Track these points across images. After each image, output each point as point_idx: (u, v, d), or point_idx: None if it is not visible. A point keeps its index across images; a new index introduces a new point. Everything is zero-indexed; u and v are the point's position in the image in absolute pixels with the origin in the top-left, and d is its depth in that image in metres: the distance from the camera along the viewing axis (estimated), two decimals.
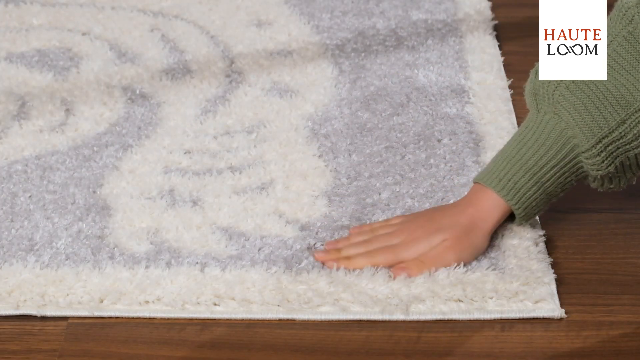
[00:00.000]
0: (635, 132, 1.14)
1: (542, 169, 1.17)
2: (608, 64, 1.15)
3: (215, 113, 1.51)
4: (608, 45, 1.15)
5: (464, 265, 1.18)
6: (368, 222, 1.27)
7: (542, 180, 1.18)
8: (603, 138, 1.14)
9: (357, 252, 1.19)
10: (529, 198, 1.18)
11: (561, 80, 1.17)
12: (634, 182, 1.21)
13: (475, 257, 1.19)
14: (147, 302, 1.16)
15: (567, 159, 1.17)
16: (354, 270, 1.18)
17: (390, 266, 1.18)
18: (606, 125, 1.14)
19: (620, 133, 1.14)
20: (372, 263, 1.18)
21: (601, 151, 1.15)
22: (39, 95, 1.56)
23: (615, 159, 1.16)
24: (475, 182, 1.22)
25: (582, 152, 1.16)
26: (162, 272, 1.20)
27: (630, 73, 1.14)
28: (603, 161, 1.16)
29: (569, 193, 1.31)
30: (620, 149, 1.15)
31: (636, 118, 1.14)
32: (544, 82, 1.18)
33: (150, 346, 1.12)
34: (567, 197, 1.31)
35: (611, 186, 1.20)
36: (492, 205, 1.19)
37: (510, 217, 1.22)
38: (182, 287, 1.17)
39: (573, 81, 1.16)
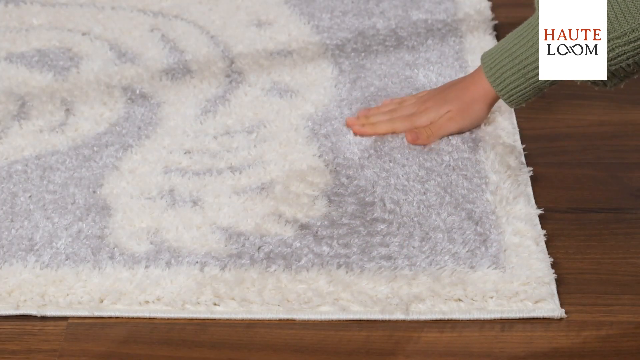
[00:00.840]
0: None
1: (528, 67, 1.28)
2: None
3: (215, 113, 1.51)
4: None
5: (452, 254, 1.20)
6: (368, 219, 1.27)
7: (528, 76, 1.28)
8: (612, 39, 1.17)
9: (381, 119, 1.42)
10: (515, 88, 1.31)
11: None
12: (622, 86, 1.24)
13: (475, 126, 1.40)
14: (147, 302, 1.16)
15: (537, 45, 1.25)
16: (375, 137, 1.40)
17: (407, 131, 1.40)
18: (619, 28, 1.17)
19: (628, 39, 1.17)
20: (392, 129, 1.41)
21: (609, 50, 1.19)
22: (39, 95, 1.56)
23: (620, 63, 1.19)
24: (480, 59, 1.37)
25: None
26: (162, 272, 1.20)
27: None
28: (611, 60, 1.19)
29: (569, 193, 1.31)
30: (623, 55, 1.18)
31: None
32: None
33: (150, 346, 1.12)
34: (567, 197, 1.32)
35: (606, 86, 1.25)
36: (489, 87, 1.35)
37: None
38: (182, 287, 1.17)
39: None
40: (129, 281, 1.18)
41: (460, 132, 1.39)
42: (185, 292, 1.17)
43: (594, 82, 1.24)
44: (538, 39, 1.23)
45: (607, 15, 1.17)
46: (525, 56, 1.28)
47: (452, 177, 1.35)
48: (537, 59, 1.25)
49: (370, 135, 1.41)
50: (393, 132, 1.41)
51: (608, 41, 1.17)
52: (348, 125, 1.43)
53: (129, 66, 1.63)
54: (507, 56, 1.30)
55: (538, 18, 1.23)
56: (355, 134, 1.41)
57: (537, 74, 1.27)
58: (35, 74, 1.61)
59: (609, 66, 1.19)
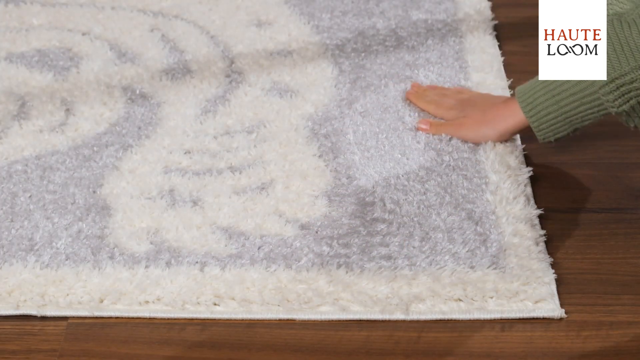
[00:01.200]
0: None
1: (561, 94, 1.27)
2: (637, 13, 1.19)
3: (215, 113, 1.51)
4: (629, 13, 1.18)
5: (452, 255, 1.21)
6: (368, 219, 1.27)
7: (561, 104, 1.28)
8: (615, 79, 1.20)
9: (428, 95, 1.49)
10: (546, 116, 1.31)
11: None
12: None
13: (480, 142, 1.39)
14: (147, 302, 1.16)
15: (586, 92, 1.24)
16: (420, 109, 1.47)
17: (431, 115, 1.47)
18: (619, 68, 1.19)
19: (632, 78, 1.19)
20: (424, 107, 1.48)
21: (613, 90, 1.21)
22: (39, 95, 1.56)
23: (629, 100, 1.21)
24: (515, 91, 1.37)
25: (599, 88, 1.22)
26: (162, 272, 1.20)
27: None
28: (616, 99, 1.21)
29: (569, 193, 1.31)
30: (633, 92, 1.20)
31: None
32: None
33: (150, 346, 1.12)
34: (567, 197, 1.32)
35: (635, 124, 1.25)
36: (512, 112, 1.36)
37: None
38: (182, 286, 1.17)
39: (609, 20, 1.21)
40: (129, 281, 1.18)
41: (463, 139, 1.40)
42: (185, 292, 1.17)
43: (627, 122, 1.25)
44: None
45: (608, 55, 1.20)
46: (558, 83, 1.28)
47: (452, 177, 1.34)
48: (569, 89, 1.27)
49: (411, 101, 1.50)
50: (425, 110, 1.48)
51: (611, 81, 1.20)
52: (411, 87, 1.53)
53: (129, 66, 1.63)
54: (544, 86, 1.31)
55: None
56: (406, 96, 1.51)
57: (575, 106, 1.28)
58: (35, 74, 1.61)
59: (620, 106, 1.22)
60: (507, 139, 1.39)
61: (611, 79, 1.20)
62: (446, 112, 1.45)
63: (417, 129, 1.43)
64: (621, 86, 1.20)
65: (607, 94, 1.22)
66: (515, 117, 1.35)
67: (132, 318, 1.15)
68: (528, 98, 1.32)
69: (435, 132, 1.42)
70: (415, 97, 1.50)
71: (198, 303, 1.16)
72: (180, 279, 1.18)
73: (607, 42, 1.20)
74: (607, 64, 1.20)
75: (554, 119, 1.30)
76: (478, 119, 1.40)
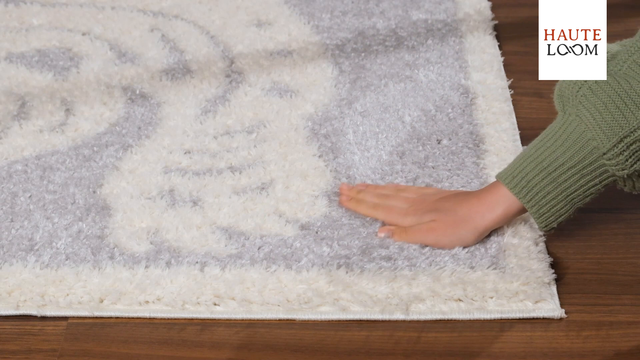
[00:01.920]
0: None
1: (558, 170, 1.15)
2: (635, 62, 1.13)
3: (215, 113, 1.51)
4: (635, 42, 1.14)
5: (452, 255, 1.19)
6: (368, 220, 1.27)
7: (559, 181, 1.16)
8: (624, 137, 1.12)
9: (368, 200, 1.28)
10: (544, 198, 1.17)
11: (585, 81, 1.15)
12: None
13: (453, 247, 1.21)
14: (147, 302, 1.16)
15: (586, 161, 1.15)
16: (354, 215, 1.28)
17: (384, 223, 1.26)
18: (627, 125, 1.12)
19: None
20: (372, 215, 1.27)
21: (623, 150, 1.12)
22: (39, 95, 1.56)
23: None
24: (496, 177, 1.22)
25: (604, 154, 1.14)
26: (162, 272, 1.20)
27: None
28: (626, 160, 1.13)
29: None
30: None
31: None
32: (569, 82, 1.16)
33: (150, 346, 1.12)
34: None
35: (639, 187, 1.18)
36: (496, 201, 1.19)
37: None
38: (182, 287, 1.17)
39: (596, 81, 1.14)
40: (129, 281, 1.18)
41: (435, 247, 1.21)
42: (185, 292, 1.17)
43: (634, 185, 1.17)
44: (566, 139, 1.16)
45: (611, 115, 1.12)
46: (555, 157, 1.16)
47: (452, 179, 1.34)
48: (565, 163, 1.15)
49: (350, 209, 1.29)
50: (371, 217, 1.27)
51: (620, 141, 1.12)
52: (340, 191, 1.31)
53: (129, 66, 1.63)
54: (533, 161, 1.17)
55: (558, 123, 1.17)
56: (339, 203, 1.30)
57: (575, 180, 1.16)
58: (35, 74, 1.61)
59: (632, 166, 1.13)
60: (483, 237, 1.22)
61: (619, 138, 1.12)
62: (402, 218, 1.24)
63: (377, 236, 1.24)
64: (632, 144, 1.12)
65: (614, 157, 1.13)
66: (501, 206, 1.19)
67: (132, 318, 1.15)
68: (520, 181, 1.17)
69: (400, 239, 1.23)
70: (351, 204, 1.29)
71: (198, 303, 1.16)
72: (180, 279, 1.18)
73: (607, 102, 1.13)
74: (612, 125, 1.12)
75: (554, 199, 1.16)
76: (450, 221, 1.21)
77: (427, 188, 1.30)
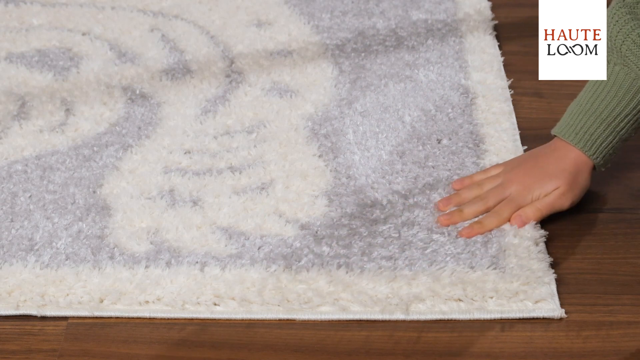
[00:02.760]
0: None
1: (616, 119, 1.23)
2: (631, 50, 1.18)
3: (215, 113, 1.51)
4: (621, 45, 1.17)
5: (452, 256, 1.20)
6: (368, 220, 1.27)
7: (617, 129, 1.23)
8: None
9: (477, 210, 1.26)
10: (606, 147, 1.25)
11: (628, 34, 1.19)
12: None
13: (578, 199, 1.26)
14: (147, 302, 1.16)
15: (639, 107, 1.22)
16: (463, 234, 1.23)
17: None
18: None
19: None
20: (501, 221, 1.24)
21: None
22: (39, 95, 1.56)
23: None
24: (555, 135, 1.27)
25: None
26: (162, 272, 1.20)
27: None
28: None
29: None
30: None
31: None
32: (611, 35, 1.20)
33: (150, 346, 1.12)
34: None
35: None
36: (575, 155, 1.26)
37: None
38: (182, 287, 1.17)
39: (639, 34, 1.19)
40: (129, 281, 1.18)
41: (570, 207, 1.26)
42: (185, 292, 1.17)
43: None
44: (618, 89, 1.22)
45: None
46: (612, 108, 1.23)
47: (452, 179, 1.34)
48: (622, 112, 1.23)
49: (479, 234, 1.23)
50: (502, 224, 1.24)
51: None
52: (444, 224, 1.25)
53: (129, 66, 1.63)
54: (592, 114, 1.24)
55: (609, 74, 1.22)
56: (461, 236, 1.24)
57: (625, 128, 1.24)
58: (35, 74, 1.61)
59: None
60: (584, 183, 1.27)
61: None
62: (525, 197, 1.25)
63: (521, 226, 1.24)
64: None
65: None
66: (569, 158, 1.26)
67: (132, 318, 1.15)
68: (584, 136, 1.25)
69: (537, 217, 1.24)
70: (455, 217, 1.26)
71: (198, 303, 1.16)
72: (180, 279, 1.18)
73: None
74: None
75: (613, 146, 1.26)
76: (569, 178, 1.26)
77: (493, 167, 1.32)
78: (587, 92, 1.25)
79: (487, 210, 1.26)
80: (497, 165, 1.32)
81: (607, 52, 1.21)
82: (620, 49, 1.19)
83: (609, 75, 1.22)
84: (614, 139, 1.25)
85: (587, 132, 1.24)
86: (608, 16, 1.19)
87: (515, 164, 1.30)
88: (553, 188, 1.25)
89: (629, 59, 1.19)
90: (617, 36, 1.19)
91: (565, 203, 1.25)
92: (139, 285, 1.18)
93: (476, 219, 1.25)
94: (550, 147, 1.28)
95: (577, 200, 1.26)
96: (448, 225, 1.25)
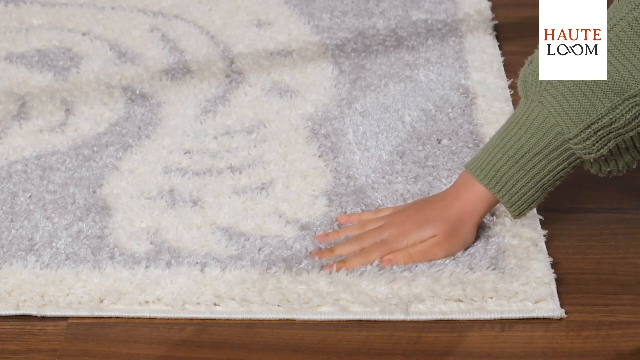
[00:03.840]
0: (628, 117, 1.12)
1: (525, 157, 1.16)
2: (607, 49, 1.13)
3: (215, 113, 1.51)
4: (609, 30, 1.13)
5: (451, 258, 1.19)
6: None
7: (527, 167, 1.16)
8: (592, 124, 1.12)
9: (350, 250, 1.21)
10: (514, 186, 1.17)
11: None
12: (635, 166, 1.18)
13: (463, 249, 1.20)
14: (147, 302, 1.16)
15: (552, 146, 1.15)
16: (352, 270, 1.18)
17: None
18: (594, 112, 1.12)
19: (611, 119, 1.12)
20: (368, 262, 1.19)
21: (590, 136, 1.13)
22: (39, 95, 1.56)
23: (608, 142, 1.13)
24: (465, 168, 1.21)
25: (570, 139, 1.14)
26: (162, 272, 1.20)
27: (628, 60, 1.11)
28: (594, 145, 1.13)
29: (569, 193, 1.31)
30: (613, 134, 1.13)
31: (629, 104, 1.11)
32: (532, 70, 1.17)
33: (150, 346, 1.12)
34: (567, 197, 1.32)
35: (609, 169, 1.18)
36: (478, 198, 1.19)
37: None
38: (182, 287, 1.17)
39: None
40: (129, 281, 1.18)
41: (445, 257, 1.20)
42: (185, 292, 1.17)
43: (600, 169, 1.18)
44: (529, 126, 1.16)
45: (577, 102, 1.12)
46: (520, 145, 1.16)
47: (452, 178, 1.35)
48: (531, 150, 1.16)
49: (342, 269, 1.18)
50: (367, 264, 1.19)
51: (587, 127, 1.12)
52: (315, 256, 1.21)
53: (129, 66, 1.63)
54: (499, 150, 1.17)
55: (521, 110, 1.17)
56: (322, 269, 1.19)
57: (544, 166, 1.16)
58: (35, 74, 1.61)
59: (599, 150, 1.14)
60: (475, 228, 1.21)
61: (586, 125, 1.12)
62: (399, 242, 1.20)
63: (382, 266, 1.19)
64: (599, 130, 1.12)
65: (581, 142, 1.13)
66: (482, 202, 1.19)
67: (132, 318, 1.15)
68: (489, 172, 1.17)
69: (407, 262, 1.19)
70: (339, 265, 1.19)
71: (198, 303, 1.16)
72: (181, 279, 1.18)
73: (573, 89, 1.13)
74: (578, 111, 1.12)
75: (524, 187, 1.17)
76: (449, 229, 1.19)
77: (384, 209, 1.27)
78: (500, 129, 1.19)
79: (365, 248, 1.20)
80: (388, 207, 1.27)
81: (527, 87, 1.17)
82: (540, 83, 1.15)
83: (524, 112, 1.17)
84: (524, 178, 1.16)
85: (492, 169, 1.17)
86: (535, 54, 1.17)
87: (402, 208, 1.25)
88: (429, 235, 1.19)
89: (547, 91, 1.15)
90: (537, 69, 1.16)
91: (439, 253, 1.19)
92: (139, 285, 1.18)
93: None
94: (446, 191, 1.22)
95: (453, 251, 1.19)
96: (320, 259, 1.20)
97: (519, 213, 1.19)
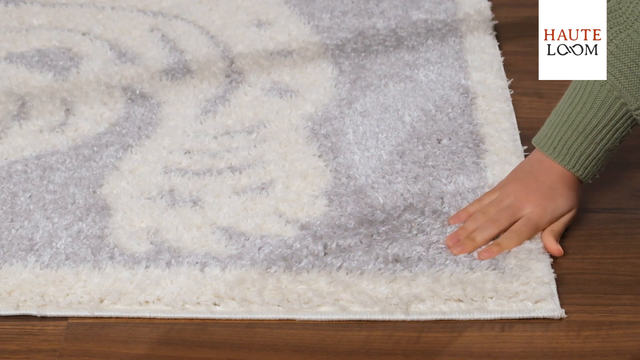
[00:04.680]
0: None
1: (594, 130, 1.21)
2: None
3: (215, 113, 1.51)
4: None
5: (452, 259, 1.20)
6: (368, 220, 1.27)
7: (597, 140, 1.21)
8: None
9: (490, 234, 1.22)
10: (587, 158, 1.23)
11: (607, 43, 1.18)
12: None
13: (553, 219, 1.24)
14: (147, 302, 1.16)
15: (617, 116, 1.20)
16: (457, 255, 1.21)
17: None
18: None
19: None
20: (521, 241, 1.22)
21: None
22: (39, 95, 1.56)
23: None
24: (535, 145, 1.26)
25: (633, 110, 1.18)
26: (162, 272, 1.20)
27: None
28: None
29: None
30: None
31: None
32: None
33: (150, 346, 1.12)
34: None
35: None
36: (554, 177, 1.24)
37: None
38: (182, 287, 1.17)
39: (617, 45, 1.17)
40: (129, 281, 1.18)
41: (568, 217, 1.25)
42: (185, 292, 1.17)
43: None
44: (594, 100, 1.20)
45: (627, 89, 1.17)
46: (588, 120, 1.21)
47: (452, 178, 1.34)
48: (599, 123, 1.21)
49: (499, 253, 1.21)
50: (521, 244, 1.22)
51: (634, 112, 1.19)
52: (455, 249, 1.22)
53: (129, 66, 1.63)
54: (569, 127, 1.22)
55: (581, 84, 1.21)
56: (481, 258, 1.21)
57: (606, 138, 1.21)
58: (35, 74, 1.61)
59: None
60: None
61: None
62: (494, 194, 1.26)
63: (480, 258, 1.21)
64: None
65: None
66: (559, 180, 1.24)
67: (132, 318, 1.15)
68: (562, 149, 1.23)
69: (511, 245, 1.22)
70: (467, 246, 1.23)
71: (198, 303, 1.16)
72: (181, 279, 1.18)
73: (630, 64, 1.16)
74: (638, 86, 1.16)
75: (595, 157, 1.23)
76: (543, 204, 1.23)
77: (485, 195, 1.28)
78: (564, 103, 1.23)
79: (500, 233, 1.23)
80: (488, 192, 1.28)
81: None
82: None
83: (584, 86, 1.21)
84: (594, 150, 1.22)
85: (565, 145, 1.23)
86: None
87: (511, 181, 1.27)
88: (567, 209, 1.24)
89: (607, 69, 1.18)
90: None
91: (537, 226, 1.23)
92: (139, 285, 1.18)
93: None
94: (537, 161, 1.26)
95: (551, 219, 1.24)
96: (457, 250, 1.22)
97: (591, 178, 1.25)
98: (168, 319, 1.15)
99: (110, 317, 1.16)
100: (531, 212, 1.23)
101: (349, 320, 1.14)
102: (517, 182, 1.26)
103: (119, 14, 1.78)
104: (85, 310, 1.16)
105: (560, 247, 1.21)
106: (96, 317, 1.16)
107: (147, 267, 1.20)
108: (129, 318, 1.15)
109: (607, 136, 1.21)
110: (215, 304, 1.16)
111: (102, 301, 1.17)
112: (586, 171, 1.24)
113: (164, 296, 1.17)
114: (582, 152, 1.22)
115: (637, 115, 1.19)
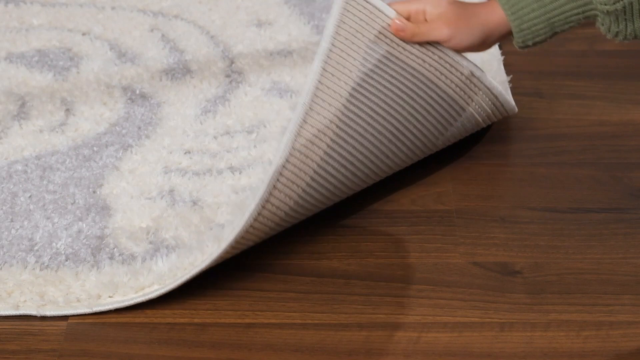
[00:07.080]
0: None
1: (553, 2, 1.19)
2: None
3: (215, 113, 1.51)
4: None
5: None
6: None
7: (545, 1, 1.19)
8: None
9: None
10: (528, 15, 1.21)
11: None
12: None
13: (468, 48, 1.24)
14: (142, 287, 1.16)
15: (580, 1, 1.18)
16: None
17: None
18: None
19: None
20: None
21: None
22: (39, 95, 1.56)
23: None
24: None
25: (598, 3, 1.16)
26: (159, 266, 1.20)
27: None
28: None
29: (569, 193, 1.31)
30: None
31: None
32: None
33: (150, 346, 1.12)
34: (567, 197, 1.32)
35: (617, 29, 1.19)
36: (493, 9, 1.23)
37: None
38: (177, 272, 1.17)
39: None
40: (125, 273, 1.19)
41: (447, 44, 1.25)
42: (184, 288, 1.17)
43: (609, 28, 1.20)
44: None
45: None
46: None
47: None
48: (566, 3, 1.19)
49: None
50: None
51: None
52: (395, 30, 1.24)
53: (129, 66, 1.63)
54: None
55: None
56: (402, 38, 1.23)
57: (560, 5, 1.19)
58: (35, 74, 1.61)
59: (615, 3, 1.16)
60: (489, 45, 1.26)
61: None
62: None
63: (396, 33, 1.23)
64: None
65: None
66: (495, 15, 1.23)
67: (132, 318, 1.15)
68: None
69: (410, 38, 1.23)
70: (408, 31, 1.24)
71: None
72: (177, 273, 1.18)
73: None
74: None
75: (536, 18, 1.21)
76: (462, 13, 1.24)
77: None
78: None
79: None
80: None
81: None
82: None
83: None
84: (539, 11, 1.20)
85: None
86: None
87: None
88: (468, 42, 1.24)
89: None
90: None
91: (444, 32, 1.23)
92: (134, 274, 1.18)
93: None
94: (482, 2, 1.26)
95: (458, 38, 1.24)
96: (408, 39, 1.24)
97: (522, 42, 1.23)
98: (168, 319, 1.15)
99: (111, 317, 1.15)
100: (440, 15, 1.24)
101: (349, 321, 1.14)
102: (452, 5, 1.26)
103: (119, 14, 1.78)
104: (84, 307, 1.16)
105: (401, 25, 1.22)
106: (96, 317, 1.16)
107: (143, 260, 1.21)
108: (128, 318, 1.15)
109: (557, 3, 1.19)
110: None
111: (99, 297, 1.17)
112: (521, 26, 1.21)
113: (159, 282, 1.17)
114: (525, 5, 1.20)
115: (596, 9, 1.17)
